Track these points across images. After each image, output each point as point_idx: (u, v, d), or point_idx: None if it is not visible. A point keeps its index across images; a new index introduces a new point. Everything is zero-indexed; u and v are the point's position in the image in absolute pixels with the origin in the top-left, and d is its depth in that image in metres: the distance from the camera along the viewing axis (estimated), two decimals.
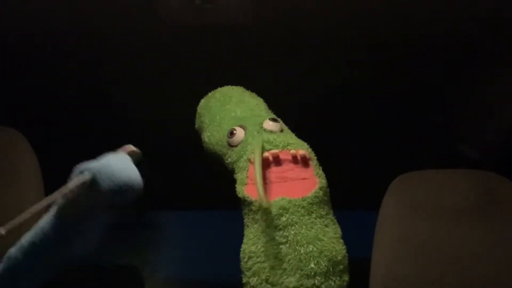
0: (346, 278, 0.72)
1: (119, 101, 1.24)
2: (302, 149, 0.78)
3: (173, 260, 1.59)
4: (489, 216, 0.81)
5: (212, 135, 0.86)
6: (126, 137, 1.32)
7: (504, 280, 0.76)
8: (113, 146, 1.44)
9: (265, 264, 0.71)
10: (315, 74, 1.17)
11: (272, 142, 0.77)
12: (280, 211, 0.72)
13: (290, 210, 0.72)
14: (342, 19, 1.04)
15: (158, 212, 1.69)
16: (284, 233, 0.71)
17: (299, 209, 0.72)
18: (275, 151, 0.77)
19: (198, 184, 1.45)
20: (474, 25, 1.03)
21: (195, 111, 1.23)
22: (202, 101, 0.94)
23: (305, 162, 0.77)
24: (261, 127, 0.81)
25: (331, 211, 0.77)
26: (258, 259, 0.71)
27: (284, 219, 0.72)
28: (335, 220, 0.76)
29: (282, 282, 0.69)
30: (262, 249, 0.72)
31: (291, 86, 1.20)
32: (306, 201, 0.73)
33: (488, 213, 0.81)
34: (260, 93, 1.18)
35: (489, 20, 1.02)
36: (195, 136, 1.33)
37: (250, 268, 0.72)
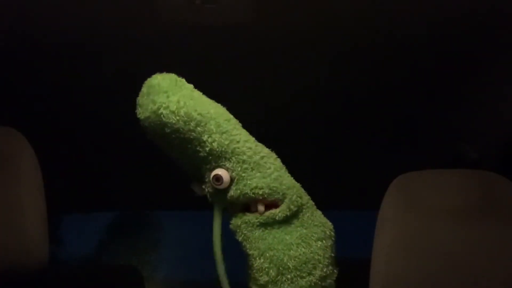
0: (301, 282, 0.74)
1: (119, 101, 1.24)
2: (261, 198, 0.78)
3: (173, 260, 1.60)
4: (489, 216, 0.80)
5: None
6: (126, 138, 1.32)
7: (504, 280, 0.76)
8: (113, 145, 1.45)
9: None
10: (316, 74, 1.17)
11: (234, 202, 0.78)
12: (234, 229, 0.78)
13: (242, 226, 0.77)
14: (343, 19, 1.04)
15: (158, 212, 1.69)
16: (243, 248, 0.77)
17: (249, 227, 0.76)
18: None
19: None
20: (474, 25, 1.03)
21: None
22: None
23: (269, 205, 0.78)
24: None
25: (301, 220, 0.79)
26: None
27: (239, 234, 0.77)
28: (307, 225, 0.78)
29: None
30: None
31: (291, 86, 1.20)
32: (258, 220, 0.76)
33: (488, 213, 0.81)
34: (260, 93, 1.18)
35: (489, 20, 1.02)
36: None
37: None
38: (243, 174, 0.76)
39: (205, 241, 1.59)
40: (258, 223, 0.75)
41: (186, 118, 0.74)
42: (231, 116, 0.79)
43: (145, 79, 1.20)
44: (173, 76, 0.80)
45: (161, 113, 0.74)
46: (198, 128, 0.75)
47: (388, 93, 1.21)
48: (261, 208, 0.76)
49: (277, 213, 0.76)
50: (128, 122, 1.29)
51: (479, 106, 1.21)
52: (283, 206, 0.77)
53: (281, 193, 0.77)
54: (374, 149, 1.33)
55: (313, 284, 0.74)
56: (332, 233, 0.79)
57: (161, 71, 1.17)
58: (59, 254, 1.60)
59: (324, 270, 0.75)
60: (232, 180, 0.76)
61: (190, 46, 1.10)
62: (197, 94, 0.78)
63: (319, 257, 0.75)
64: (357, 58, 1.13)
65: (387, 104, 1.23)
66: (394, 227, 0.82)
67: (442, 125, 1.28)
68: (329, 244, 0.77)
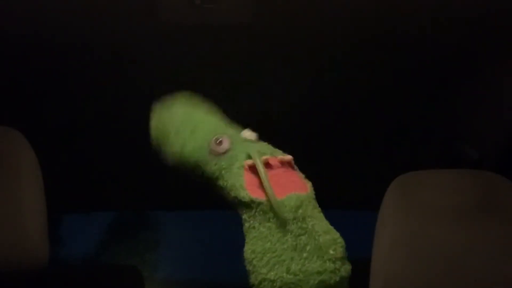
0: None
1: (119, 101, 1.24)
2: (284, 155, 0.84)
3: (173, 260, 1.60)
4: (489, 216, 0.81)
5: (185, 144, 0.89)
6: (126, 137, 1.33)
7: (505, 280, 0.76)
8: (113, 146, 1.45)
9: (284, 257, 0.76)
10: (315, 74, 1.17)
11: (259, 150, 0.83)
12: (297, 203, 0.78)
13: (304, 203, 0.79)
14: (343, 18, 1.04)
15: (158, 212, 1.69)
16: (303, 225, 0.77)
17: (308, 203, 0.79)
18: (265, 157, 0.82)
19: (198, 184, 1.45)
20: (474, 25, 1.04)
21: None
22: (155, 116, 0.96)
23: (291, 166, 0.84)
24: (242, 137, 0.86)
25: None
26: (275, 254, 0.77)
27: (301, 211, 0.78)
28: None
29: (306, 270, 0.75)
30: (278, 244, 0.77)
31: (291, 86, 1.20)
32: (310, 197, 0.80)
33: (488, 213, 0.81)
34: (261, 93, 1.18)
35: (489, 20, 1.03)
36: None
37: (267, 264, 0.77)
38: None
39: (205, 241, 1.60)
40: (311, 199, 0.80)
41: None
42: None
43: (145, 79, 1.20)
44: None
45: None
46: None
47: (389, 93, 1.21)
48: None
49: (311, 188, 0.82)
50: (128, 122, 1.30)
51: (479, 106, 1.21)
52: (308, 183, 0.83)
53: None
54: (374, 149, 1.33)
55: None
56: None
57: (161, 71, 1.18)
58: (59, 254, 1.60)
59: None
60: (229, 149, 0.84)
61: (190, 46, 1.10)
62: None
63: None
64: (357, 58, 1.13)
65: (387, 104, 1.23)
66: (394, 227, 0.82)
67: (442, 125, 1.28)
68: None
